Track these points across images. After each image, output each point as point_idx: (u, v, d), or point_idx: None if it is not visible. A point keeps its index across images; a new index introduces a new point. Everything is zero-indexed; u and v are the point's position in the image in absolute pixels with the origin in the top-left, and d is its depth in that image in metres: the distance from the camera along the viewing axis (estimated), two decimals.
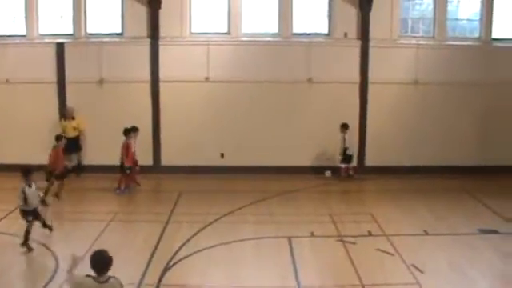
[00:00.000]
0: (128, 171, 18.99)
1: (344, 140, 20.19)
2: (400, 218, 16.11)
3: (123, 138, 18.88)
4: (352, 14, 20.62)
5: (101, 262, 8.01)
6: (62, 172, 18.20)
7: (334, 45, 20.77)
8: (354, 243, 14.02)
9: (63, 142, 18.31)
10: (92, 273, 8.02)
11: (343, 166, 20.43)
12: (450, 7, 21.17)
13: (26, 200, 13.80)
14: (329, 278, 12.57)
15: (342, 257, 13.30)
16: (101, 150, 20.70)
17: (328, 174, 20.69)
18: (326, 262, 13.30)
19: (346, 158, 20.37)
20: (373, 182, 20.06)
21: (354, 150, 20.50)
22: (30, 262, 13.27)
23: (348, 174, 20.47)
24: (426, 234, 14.75)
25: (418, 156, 20.73)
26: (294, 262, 12.96)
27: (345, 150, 20.26)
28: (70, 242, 13.76)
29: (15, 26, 21.39)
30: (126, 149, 18.90)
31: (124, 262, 12.88)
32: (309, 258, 13.35)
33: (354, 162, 20.68)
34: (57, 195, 17.97)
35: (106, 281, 7.91)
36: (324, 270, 12.93)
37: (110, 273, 8.16)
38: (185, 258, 13.23)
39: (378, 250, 13.55)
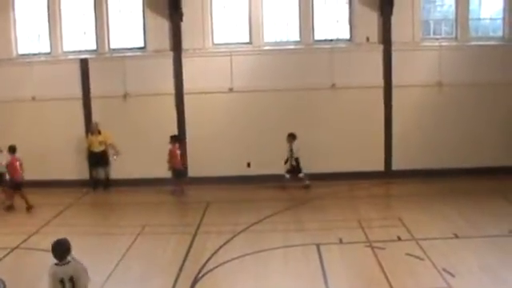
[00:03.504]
0: (180, 174, 19.78)
1: (291, 150, 20.11)
2: (429, 221, 15.93)
3: (168, 145, 19.67)
4: (373, 18, 20.56)
5: (59, 249, 9.17)
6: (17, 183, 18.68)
7: (356, 50, 20.71)
8: (383, 248, 13.88)
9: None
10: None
11: (288, 176, 20.27)
12: (472, 7, 20.94)
13: None
14: (358, 284, 12.47)
15: (371, 263, 13.17)
16: (127, 163, 20.84)
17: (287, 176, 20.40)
18: (356, 268, 13.19)
19: (295, 168, 20.24)
20: (400, 186, 19.95)
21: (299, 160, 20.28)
22: None
23: (304, 183, 20.23)
24: (456, 237, 14.55)
25: (445, 158, 20.57)
26: (323, 270, 12.84)
27: (291, 159, 20.15)
28: (99, 255, 13.83)
29: (40, 43, 21.67)
30: (173, 155, 19.56)
31: (154, 275, 13.03)
32: (338, 265, 13.21)
33: (380, 166, 20.65)
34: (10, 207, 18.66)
35: (67, 263, 9.14)
36: (353, 276, 12.81)
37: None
38: (214, 268, 13.19)
39: (408, 254, 13.38)
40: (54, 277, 9.15)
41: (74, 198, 19.98)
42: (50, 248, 9.14)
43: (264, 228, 16.11)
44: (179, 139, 20.17)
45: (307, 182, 20.15)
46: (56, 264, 9.22)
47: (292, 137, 20.05)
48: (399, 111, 20.66)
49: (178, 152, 20.03)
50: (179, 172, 20.03)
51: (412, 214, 16.50)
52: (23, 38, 21.76)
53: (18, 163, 18.78)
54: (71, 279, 9.10)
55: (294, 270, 13.22)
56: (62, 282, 9.11)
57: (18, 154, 18.91)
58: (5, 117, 21.42)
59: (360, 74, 20.45)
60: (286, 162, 20.21)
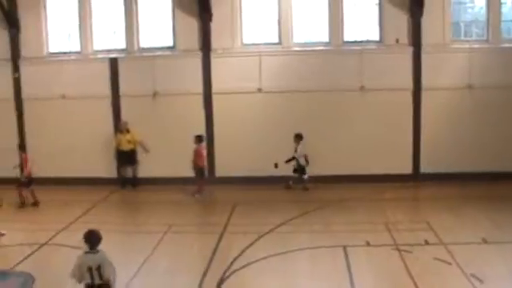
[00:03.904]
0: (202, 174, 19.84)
1: (296, 151, 20.12)
2: (457, 225, 15.78)
3: (194, 145, 19.68)
4: (403, 19, 20.39)
5: (92, 237, 9.97)
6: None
7: (385, 52, 20.57)
8: (410, 252, 13.77)
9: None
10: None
11: (294, 175, 20.36)
12: (504, 9, 20.69)
13: None
14: (385, 287, 12.42)
15: (398, 266, 13.05)
16: (155, 162, 20.94)
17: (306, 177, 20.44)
18: (382, 271, 13.09)
19: (299, 168, 20.27)
20: (428, 189, 19.79)
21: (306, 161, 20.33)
22: None
23: (304, 184, 20.31)
24: (485, 242, 14.35)
25: (475, 162, 20.30)
26: (349, 272, 12.79)
27: (296, 160, 20.20)
28: (126, 253, 13.92)
29: (70, 42, 21.87)
30: (200, 155, 19.61)
31: (179, 274, 13.11)
32: (364, 268, 13.14)
33: (408, 169, 20.57)
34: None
35: (97, 252, 9.90)
36: (380, 279, 12.71)
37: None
38: (240, 268, 13.20)
39: (436, 258, 13.26)
40: (82, 264, 9.79)
41: (102, 195, 20.13)
42: (83, 236, 9.98)
43: (290, 229, 16.08)
44: (203, 139, 20.14)
45: (307, 185, 20.22)
46: (86, 252, 9.93)
47: (299, 137, 20.09)
48: (429, 114, 20.49)
49: (204, 152, 20.10)
50: (202, 172, 19.99)
51: (440, 218, 16.35)
52: (54, 37, 21.98)
53: (28, 160, 19.14)
54: (98, 268, 9.74)
55: (320, 271, 13.16)
56: (89, 269, 9.74)
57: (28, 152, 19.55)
58: (35, 114, 21.73)
59: (389, 76, 20.28)
60: (287, 162, 20.23)
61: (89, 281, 9.83)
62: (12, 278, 13.05)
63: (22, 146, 19.83)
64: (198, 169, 19.84)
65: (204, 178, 20.06)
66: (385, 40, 20.72)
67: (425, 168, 20.71)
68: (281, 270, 13.23)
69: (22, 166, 19.16)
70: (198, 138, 19.79)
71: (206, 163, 20.19)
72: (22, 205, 18.89)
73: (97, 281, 9.81)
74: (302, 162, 20.24)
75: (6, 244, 15.53)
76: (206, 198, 19.72)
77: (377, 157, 20.63)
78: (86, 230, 10.32)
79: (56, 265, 13.80)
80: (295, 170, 20.33)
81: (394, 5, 20.36)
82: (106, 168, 21.62)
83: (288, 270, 13.18)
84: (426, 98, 20.44)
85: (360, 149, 20.60)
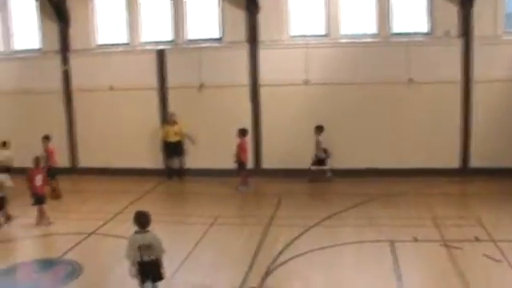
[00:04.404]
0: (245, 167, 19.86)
1: (317, 142, 20.00)
2: (509, 222, 15.37)
3: (237, 138, 19.69)
4: (453, 10, 19.93)
5: (143, 218, 10.60)
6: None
7: (434, 44, 20.18)
8: (459, 248, 13.48)
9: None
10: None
11: (314, 168, 20.21)
12: None
13: None
14: (432, 284, 12.16)
15: (446, 263, 12.79)
16: (201, 153, 21.03)
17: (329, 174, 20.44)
18: (430, 267, 12.86)
19: (318, 160, 20.12)
20: (478, 185, 19.38)
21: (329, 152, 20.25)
22: None
23: (326, 176, 20.26)
24: None
25: None
26: (396, 267, 12.59)
27: (318, 152, 20.10)
28: (172, 244, 13.76)
29: (118, 34, 22.06)
30: (243, 149, 19.66)
31: (225, 265, 13.15)
32: (412, 264, 12.94)
33: (455, 163, 20.24)
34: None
35: (147, 232, 10.55)
36: (428, 275, 12.51)
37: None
38: (286, 261, 13.14)
39: (485, 256, 12.97)
40: (133, 243, 10.41)
41: (149, 186, 20.28)
42: (133, 217, 10.67)
43: (336, 223, 15.95)
44: (247, 133, 20.09)
45: (329, 175, 20.27)
46: (136, 232, 10.57)
47: (319, 129, 20.02)
48: (479, 107, 20.04)
49: (247, 146, 20.10)
50: (244, 165, 19.90)
51: (491, 214, 15.95)
52: (102, 29, 22.21)
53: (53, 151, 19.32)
54: (149, 246, 10.40)
55: (366, 266, 13.01)
56: (139, 248, 10.38)
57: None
58: (83, 105, 22.07)
59: (438, 69, 19.90)
60: (316, 156, 20.24)
61: (139, 259, 10.44)
62: (60, 266, 13.28)
63: (47, 137, 19.93)
64: (241, 162, 19.80)
65: (246, 170, 20.00)
66: (434, 31, 20.32)
67: (474, 162, 20.28)
68: (327, 263, 13.13)
69: (48, 156, 19.12)
70: (242, 132, 19.76)
71: (248, 157, 20.12)
72: (54, 194, 18.92)
73: (147, 259, 10.45)
74: (323, 154, 20.21)
75: (54, 233, 15.86)
76: (250, 190, 19.69)
77: (423, 150, 20.32)
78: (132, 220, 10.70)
79: (103, 254, 14.07)
80: (314, 163, 20.27)
81: None
82: (153, 159, 21.80)
83: (334, 264, 13.07)
84: (476, 91, 20.00)
85: (406, 142, 20.33)
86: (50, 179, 18.46)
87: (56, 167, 19.18)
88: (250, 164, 20.57)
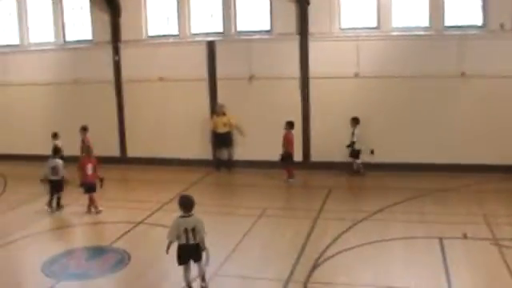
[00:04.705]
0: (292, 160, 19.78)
1: (353, 134, 19.87)
2: None
3: (283, 130, 19.65)
4: (509, 3, 19.45)
5: (187, 202, 11.11)
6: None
7: (489, 37, 19.72)
8: (511, 247, 13.18)
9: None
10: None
11: (351, 160, 20.19)
12: None
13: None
14: (482, 282, 11.79)
15: (497, 262, 12.48)
16: (250, 145, 21.05)
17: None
18: (480, 266, 12.47)
19: (353, 152, 20.02)
20: None
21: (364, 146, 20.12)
22: None
23: (357, 169, 20.20)
24: None
25: None
26: (445, 265, 12.38)
27: (353, 144, 19.98)
28: (220, 235, 13.94)
29: (168, 26, 22.18)
30: (289, 141, 19.58)
31: (272, 258, 13.11)
32: (461, 261, 12.62)
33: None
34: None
35: (191, 215, 11.03)
36: (477, 274, 12.13)
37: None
38: (334, 255, 13.06)
39: None
40: (178, 227, 10.90)
41: (197, 177, 20.38)
42: (178, 201, 11.21)
43: (385, 217, 15.78)
44: (293, 125, 19.92)
45: (361, 168, 20.29)
46: (181, 216, 11.04)
47: (355, 121, 19.91)
48: None
49: (293, 138, 19.93)
50: (291, 157, 19.78)
51: None
52: (153, 21, 22.34)
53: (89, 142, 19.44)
54: (193, 229, 10.89)
55: (414, 262, 12.82)
56: (185, 231, 10.87)
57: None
58: (134, 96, 22.27)
59: (493, 63, 19.40)
60: (348, 146, 20.12)
61: (184, 241, 10.93)
62: (109, 254, 13.50)
63: (85, 128, 20.17)
64: (288, 155, 19.70)
65: (293, 163, 19.91)
66: (488, 25, 19.88)
67: None
68: (374, 258, 13.00)
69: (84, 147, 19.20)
70: (289, 124, 19.68)
71: (293, 149, 19.96)
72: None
73: (191, 241, 10.94)
74: (358, 146, 20.07)
75: (103, 221, 16.13)
76: (298, 182, 19.61)
77: (477, 146, 19.90)
78: (180, 211, 11.00)
79: (151, 243, 14.22)
80: (350, 155, 20.23)
81: None
82: (202, 150, 21.89)
83: (381, 259, 12.94)
84: None
85: (459, 137, 19.94)
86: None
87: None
88: (298, 157, 20.51)
